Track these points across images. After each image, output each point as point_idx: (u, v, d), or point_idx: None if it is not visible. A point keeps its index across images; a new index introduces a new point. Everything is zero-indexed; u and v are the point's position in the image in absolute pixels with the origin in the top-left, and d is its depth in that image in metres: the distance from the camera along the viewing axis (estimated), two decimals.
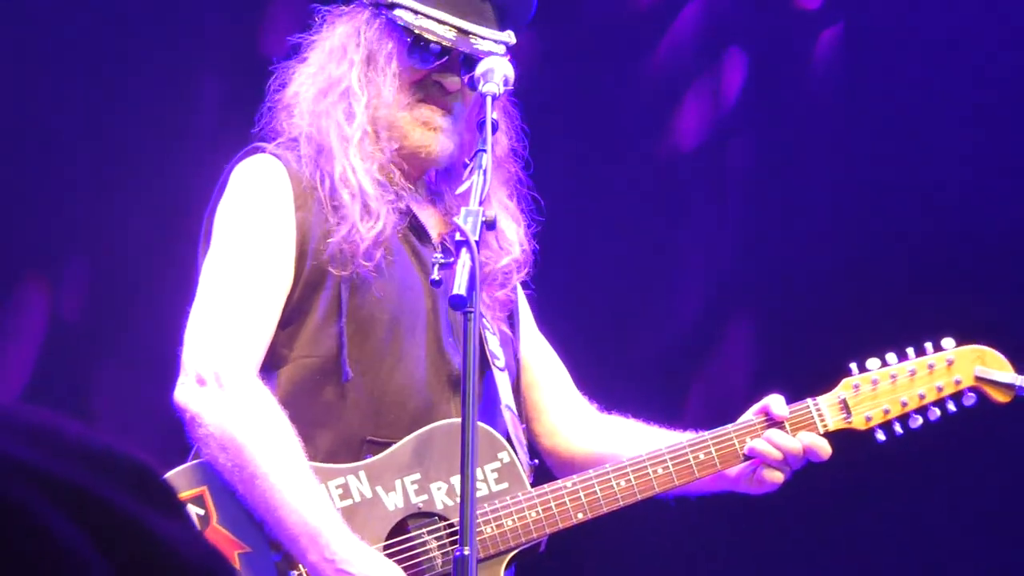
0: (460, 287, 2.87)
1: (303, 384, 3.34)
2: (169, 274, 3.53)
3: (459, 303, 2.88)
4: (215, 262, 3.36)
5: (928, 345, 3.55)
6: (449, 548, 3.31)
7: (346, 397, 3.34)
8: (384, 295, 3.38)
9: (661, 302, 5.41)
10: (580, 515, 3.38)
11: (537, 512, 3.35)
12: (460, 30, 3.42)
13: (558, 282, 4.49)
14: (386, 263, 3.38)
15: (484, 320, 3.45)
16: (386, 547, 3.29)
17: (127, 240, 4.94)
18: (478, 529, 3.28)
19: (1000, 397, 3.53)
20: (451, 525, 3.32)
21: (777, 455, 3.44)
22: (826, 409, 3.49)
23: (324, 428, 3.33)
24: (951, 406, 3.52)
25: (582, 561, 5.15)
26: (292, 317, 3.37)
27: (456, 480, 3.33)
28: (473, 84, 3.30)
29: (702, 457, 3.43)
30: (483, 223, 2.99)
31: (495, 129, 3.20)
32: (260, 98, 3.56)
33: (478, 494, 3.27)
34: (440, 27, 3.42)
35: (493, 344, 3.47)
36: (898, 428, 3.52)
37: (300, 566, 3.24)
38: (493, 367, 3.43)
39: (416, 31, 3.41)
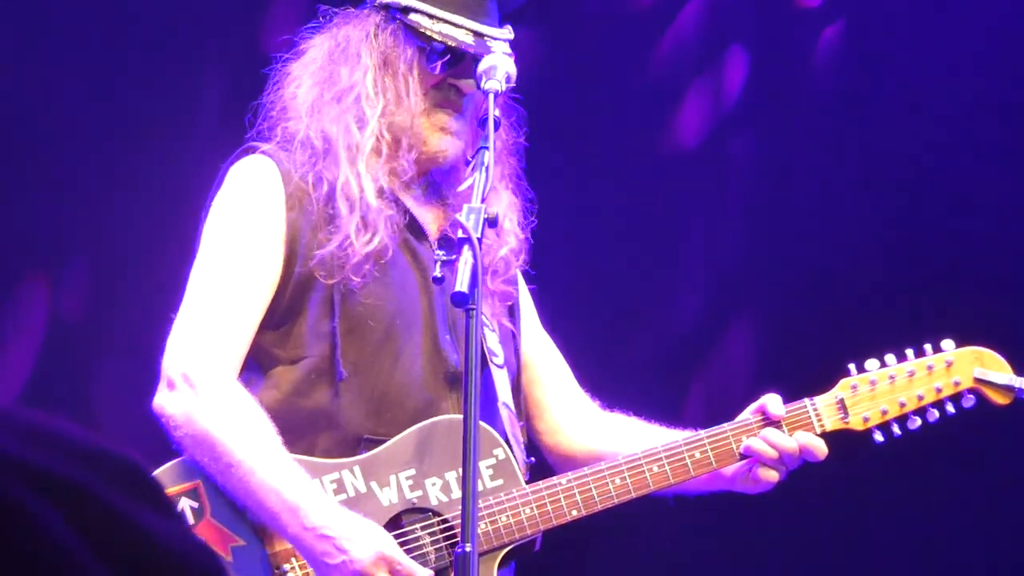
0: (462, 284, 2.86)
1: (298, 385, 3.34)
2: (169, 274, 3.52)
3: (461, 300, 2.88)
4: (199, 267, 3.37)
5: (927, 346, 3.53)
6: (442, 544, 3.31)
7: (342, 396, 3.33)
8: (379, 293, 3.37)
9: (661, 301, 5.40)
10: (575, 512, 3.37)
11: (531, 509, 3.35)
12: (476, 33, 3.40)
13: (558, 280, 4.48)
14: (380, 265, 3.36)
15: (483, 317, 3.43)
16: None
17: (127, 240, 4.94)
18: None
19: (999, 399, 3.51)
20: (445, 521, 3.32)
21: (773, 454, 3.43)
22: (823, 409, 3.48)
23: (321, 428, 3.33)
24: (950, 408, 3.51)
25: (582, 561, 5.15)
26: (285, 318, 3.36)
27: (451, 476, 3.33)
28: (477, 82, 3.29)
29: (698, 456, 3.43)
30: (485, 220, 2.99)
31: (497, 126, 3.19)
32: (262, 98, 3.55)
33: None
34: (458, 31, 3.39)
35: (492, 341, 3.46)
36: (896, 429, 3.50)
37: (293, 560, 3.25)
38: (491, 364, 3.42)
39: (438, 37, 3.39)
